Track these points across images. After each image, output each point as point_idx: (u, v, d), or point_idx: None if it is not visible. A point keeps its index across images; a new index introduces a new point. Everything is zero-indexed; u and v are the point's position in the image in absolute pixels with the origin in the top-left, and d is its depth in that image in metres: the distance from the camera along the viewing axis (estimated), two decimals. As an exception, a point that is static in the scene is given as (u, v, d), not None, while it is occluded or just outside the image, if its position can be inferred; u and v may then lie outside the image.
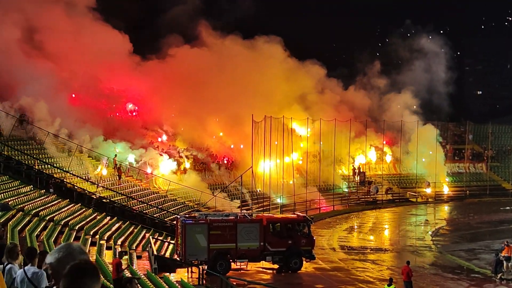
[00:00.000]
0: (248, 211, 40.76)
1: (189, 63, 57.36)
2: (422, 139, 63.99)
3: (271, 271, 30.51)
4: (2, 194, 31.42)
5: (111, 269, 21.39)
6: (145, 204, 40.99)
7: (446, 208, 61.28)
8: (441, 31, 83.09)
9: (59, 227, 30.39)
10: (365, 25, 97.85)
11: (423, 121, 67.08)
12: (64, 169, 39.45)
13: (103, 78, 51.33)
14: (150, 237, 33.55)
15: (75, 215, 33.89)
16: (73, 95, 50.68)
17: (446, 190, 65.70)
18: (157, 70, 56.50)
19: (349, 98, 68.49)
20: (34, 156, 39.27)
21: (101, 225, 33.94)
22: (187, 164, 51.80)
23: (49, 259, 4.45)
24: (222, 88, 57.18)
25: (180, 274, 27.83)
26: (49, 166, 39.02)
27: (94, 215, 35.61)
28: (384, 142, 66.85)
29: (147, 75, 55.23)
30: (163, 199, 44.01)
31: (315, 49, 70.44)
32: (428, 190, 63.80)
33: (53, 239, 27.61)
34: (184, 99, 55.76)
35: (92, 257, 25.59)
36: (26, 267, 7.28)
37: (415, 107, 70.65)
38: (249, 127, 49.00)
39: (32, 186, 35.55)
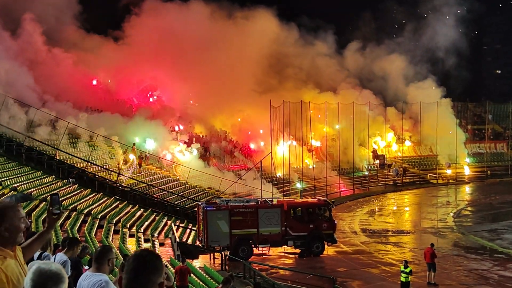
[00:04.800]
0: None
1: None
2: (441, 119, 63.45)
3: (293, 256, 30.61)
4: (25, 185, 31.79)
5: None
6: (166, 192, 41.20)
7: (467, 189, 60.90)
8: (458, 11, 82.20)
9: (82, 216, 30.71)
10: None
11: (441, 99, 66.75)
12: (85, 159, 39.74)
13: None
14: (172, 224, 33.78)
15: (97, 204, 34.20)
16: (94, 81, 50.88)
17: (467, 170, 65.25)
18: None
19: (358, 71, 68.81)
20: (55, 146, 39.54)
21: (123, 214, 34.21)
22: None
23: None
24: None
25: (203, 260, 28.05)
26: (70, 155, 39.29)
27: (116, 203, 35.90)
28: (403, 128, 66.52)
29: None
30: (183, 186, 44.16)
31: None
32: (449, 171, 63.42)
33: (76, 228, 27.92)
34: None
35: (116, 245, 25.87)
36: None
37: (433, 88, 70.10)
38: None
39: (54, 176, 35.90)
